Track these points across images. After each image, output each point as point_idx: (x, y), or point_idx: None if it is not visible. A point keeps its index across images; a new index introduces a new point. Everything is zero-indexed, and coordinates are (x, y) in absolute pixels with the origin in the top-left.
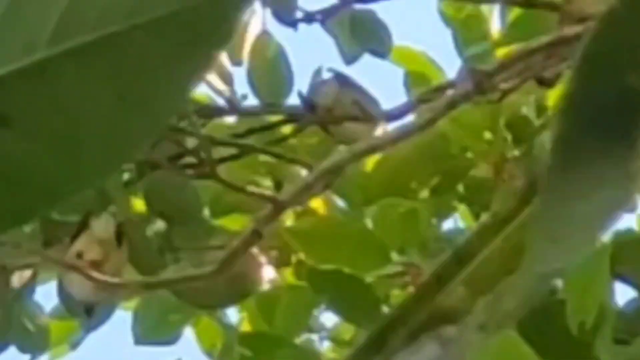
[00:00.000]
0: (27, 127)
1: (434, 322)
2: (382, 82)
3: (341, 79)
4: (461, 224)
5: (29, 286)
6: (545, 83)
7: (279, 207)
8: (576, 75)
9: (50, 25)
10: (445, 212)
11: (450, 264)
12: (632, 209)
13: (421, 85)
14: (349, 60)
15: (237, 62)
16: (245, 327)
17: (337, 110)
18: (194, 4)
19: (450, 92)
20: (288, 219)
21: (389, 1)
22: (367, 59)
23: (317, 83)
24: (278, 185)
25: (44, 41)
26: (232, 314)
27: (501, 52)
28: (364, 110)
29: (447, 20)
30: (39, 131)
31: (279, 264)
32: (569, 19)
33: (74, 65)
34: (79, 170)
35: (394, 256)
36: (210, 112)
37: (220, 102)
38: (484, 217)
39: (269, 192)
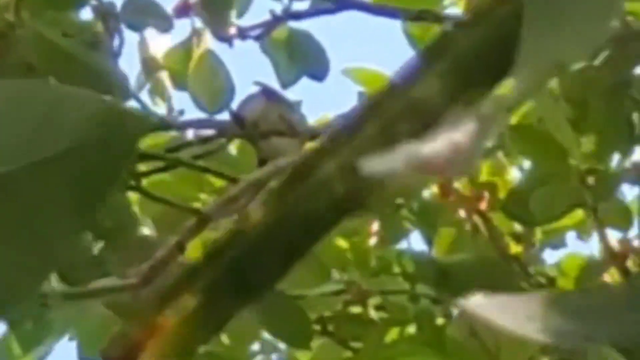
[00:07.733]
0: None
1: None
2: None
3: (268, 94)
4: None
5: None
6: None
7: (203, 220)
8: None
9: None
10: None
11: None
12: None
13: None
14: (287, 84)
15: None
16: None
17: (263, 125)
18: (82, 144)
19: None
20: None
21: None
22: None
23: (245, 98)
24: None
25: None
26: None
27: None
28: (290, 125)
29: (413, 42)
30: None
31: None
32: None
33: None
34: None
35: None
36: None
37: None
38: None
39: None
